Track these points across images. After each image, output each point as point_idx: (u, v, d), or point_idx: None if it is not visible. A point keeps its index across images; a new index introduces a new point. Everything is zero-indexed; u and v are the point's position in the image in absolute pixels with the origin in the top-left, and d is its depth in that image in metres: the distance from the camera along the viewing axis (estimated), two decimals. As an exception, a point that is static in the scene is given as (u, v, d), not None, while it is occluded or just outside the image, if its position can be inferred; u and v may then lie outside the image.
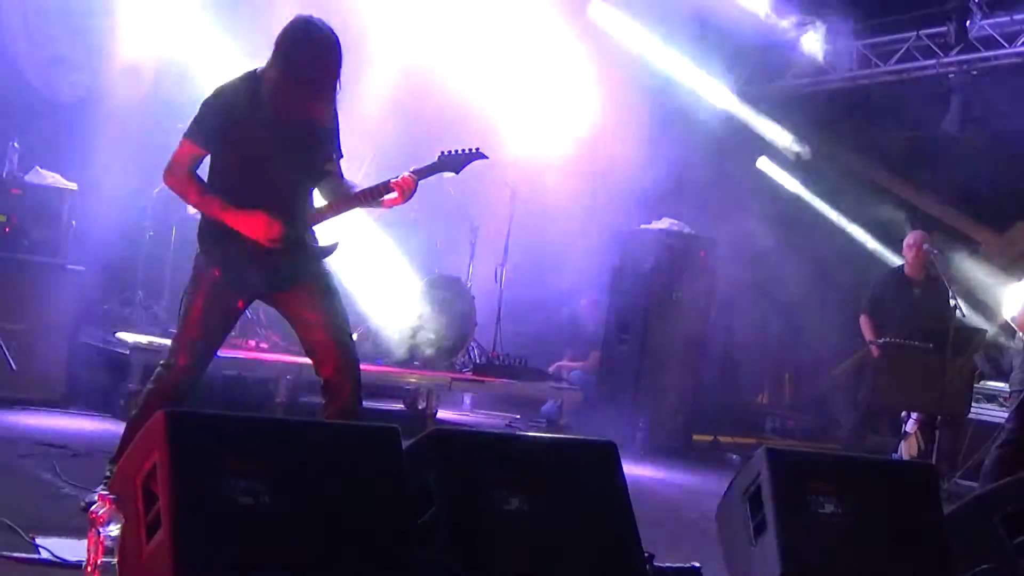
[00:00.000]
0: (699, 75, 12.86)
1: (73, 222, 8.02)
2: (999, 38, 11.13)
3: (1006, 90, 11.60)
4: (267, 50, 5.16)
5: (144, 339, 8.55)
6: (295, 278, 5.25)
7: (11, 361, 7.41)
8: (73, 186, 8.15)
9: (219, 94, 5.18)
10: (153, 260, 9.57)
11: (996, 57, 11.33)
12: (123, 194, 9.46)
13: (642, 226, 10.68)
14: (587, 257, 11.78)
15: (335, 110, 5.29)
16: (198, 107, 5.18)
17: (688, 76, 12.79)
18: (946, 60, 11.55)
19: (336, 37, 5.13)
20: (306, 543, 3.55)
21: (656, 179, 11.71)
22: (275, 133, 5.11)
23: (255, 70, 5.22)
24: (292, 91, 5.07)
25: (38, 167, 8.23)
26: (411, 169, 5.36)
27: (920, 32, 11.55)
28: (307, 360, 5.38)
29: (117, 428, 7.21)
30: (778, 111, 13.69)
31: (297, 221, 5.21)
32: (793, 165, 13.95)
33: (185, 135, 5.16)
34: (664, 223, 10.66)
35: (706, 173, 13.16)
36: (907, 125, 13.39)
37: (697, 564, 4.97)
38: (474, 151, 5.49)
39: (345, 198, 5.34)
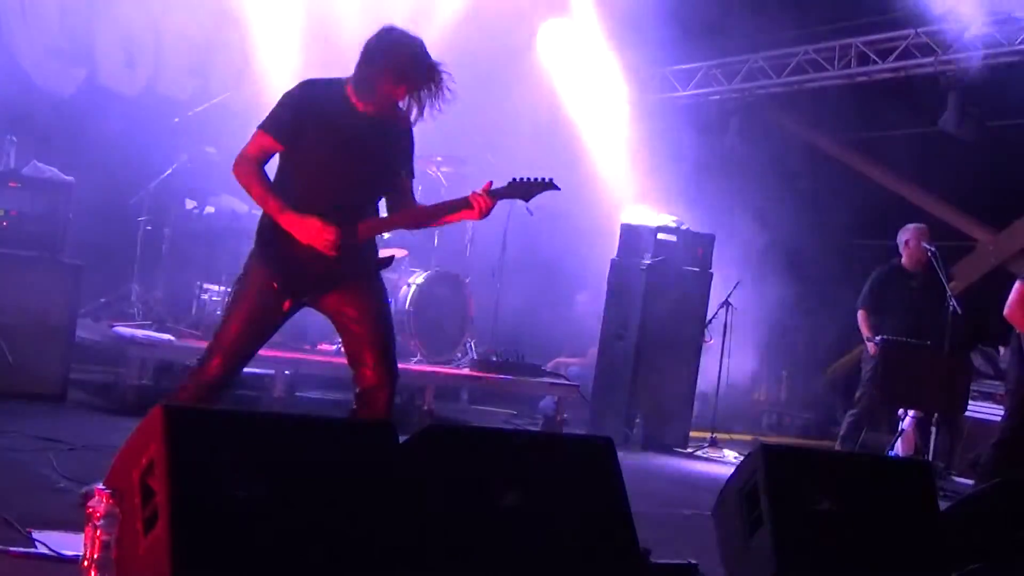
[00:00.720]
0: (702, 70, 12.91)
1: (70, 216, 8.02)
2: (998, 36, 11.15)
3: (1003, 88, 11.62)
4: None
5: (140, 333, 8.56)
6: (346, 286, 5.16)
7: (8, 355, 7.43)
8: (70, 180, 8.14)
9: (302, 88, 5.11)
10: (149, 254, 9.58)
11: (995, 55, 11.34)
12: (120, 188, 9.48)
13: (640, 222, 10.68)
14: (585, 253, 11.82)
15: (411, 129, 5.18)
16: (278, 99, 5.10)
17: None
18: (944, 58, 11.58)
19: (424, 49, 5.03)
20: (303, 538, 3.56)
21: (655, 175, 11.75)
22: (350, 137, 5.03)
23: (340, 77, 5.13)
24: (373, 96, 5.01)
25: (35, 161, 8.23)
26: (488, 188, 5.22)
27: (918, 30, 11.56)
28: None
29: (114, 422, 7.24)
30: (774, 106, 13.73)
31: (353, 230, 5.08)
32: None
33: (260, 126, 5.07)
34: (661, 218, 10.67)
35: (706, 168, 13.21)
36: (905, 122, 13.41)
37: (693, 560, 4.98)
38: (547, 180, 5.35)
39: (418, 210, 5.26)
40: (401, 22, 5.10)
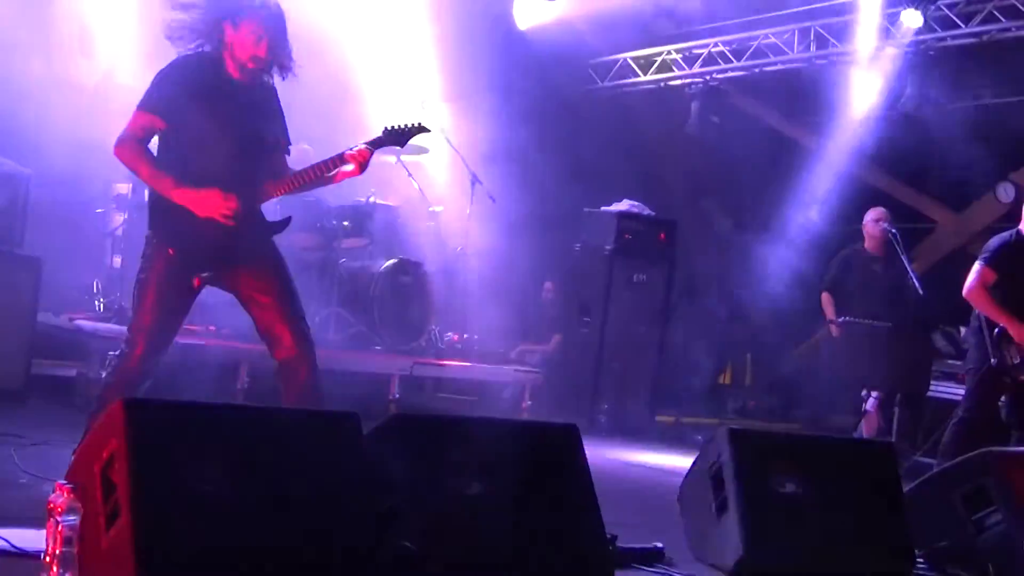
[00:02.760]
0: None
1: (28, 208, 7.93)
2: (954, 17, 11.21)
3: (960, 70, 11.69)
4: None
5: (102, 326, 8.48)
6: (248, 256, 5.22)
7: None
8: (28, 172, 8.05)
9: (175, 66, 5.15)
10: (109, 246, 9.50)
11: (953, 36, 11.41)
12: (79, 179, 9.38)
13: (602, 208, 10.68)
14: (549, 240, 11.80)
15: (276, 94, 5.32)
16: (152, 79, 5.13)
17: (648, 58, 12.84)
18: (901, 40, 11.64)
19: (282, 11, 5.17)
20: (266, 531, 3.53)
21: (617, 161, 11.75)
22: (226, 109, 5.10)
23: (208, 47, 5.19)
24: (244, 67, 5.12)
25: (-8, 154, 8.14)
26: (364, 141, 5.36)
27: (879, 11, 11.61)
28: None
29: (76, 416, 7.17)
30: (735, 90, 13.75)
31: (252, 197, 5.19)
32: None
33: (138, 106, 5.09)
34: (624, 205, 10.67)
35: (668, 155, 13.23)
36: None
37: (660, 544, 4.99)
38: (417, 125, 5.55)
39: (299, 173, 5.33)
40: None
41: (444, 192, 10.73)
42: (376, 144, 5.39)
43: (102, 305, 9.27)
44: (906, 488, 5.48)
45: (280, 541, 3.55)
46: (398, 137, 5.51)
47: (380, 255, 10.14)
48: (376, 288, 9.67)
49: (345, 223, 9.67)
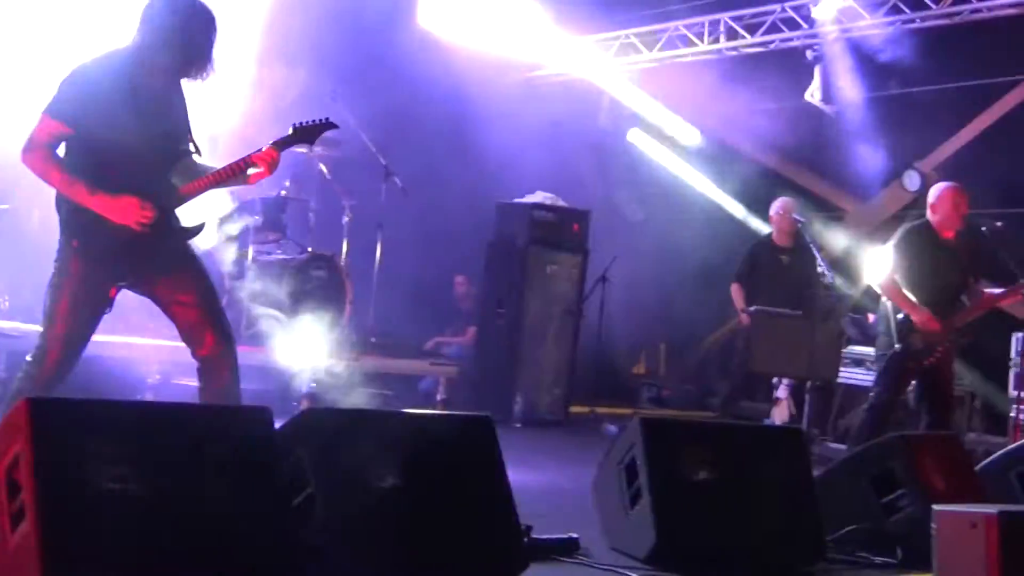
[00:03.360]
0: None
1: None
2: (860, 9, 11.38)
3: (870, 60, 11.86)
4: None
5: (8, 325, 8.33)
6: (165, 261, 5.16)
7: None
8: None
9: (83, 69, 5.03)
10: (14, 242, 9.31)
11: (859, 28, 11.58)
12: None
13: (515, 200, 10.69)
14: (463, 232, 11.79)
15: (183, 94, 5.24)
16: (59, 83, 5.02)
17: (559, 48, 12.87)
18: (811, 31, 11.79)
19: (213, 14, 5.09)
20: (176, 529, 3.48)
21: (528, 152, 11.75)
22: (137, 112, 5.00)
23: (118, 48, 5.10)
24: (156, 68, 5.02)
25: None
26: (271, 142, 5.32)
27: (785, 4, 11.74)
28: (180, 342, 5.29)
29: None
30: (647, 83, 13.83)
31: (163, 202, 5.12)
32: (663, 136, 14.11)
33: (45, 111, 4.96)
34: (537, 196, 10.69)
35: (579, 146, 13.26)
36: (772, 96, 13.60)
37: (575, 535, 5.00)
38: (325, 121, 5.53)
39: (209, 176, 5.25)
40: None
41: (356, 185, 10.66)
42: (284, 144, 5.35)
43: (7, 303, 9.09)
44: (817, 473, 5.55)
45: (189, 539, 3.50)
46: (306, 134, 5.48)
47: (293, 249, 10.07)
48: (289, 282, 9.59)
49: (257, 217, 9.58)
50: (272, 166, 5.28)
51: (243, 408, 3.97)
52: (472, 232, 11.43)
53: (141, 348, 8.40)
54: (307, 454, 3.95)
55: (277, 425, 3.97)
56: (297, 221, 10.13)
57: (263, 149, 5.28)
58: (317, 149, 9.98)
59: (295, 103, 11.07)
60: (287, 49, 10.35)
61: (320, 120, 5.52)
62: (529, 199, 10.64)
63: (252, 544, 3.65)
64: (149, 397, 8.02)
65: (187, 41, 5.01)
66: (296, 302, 9.61)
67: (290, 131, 5.44)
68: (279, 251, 10.09)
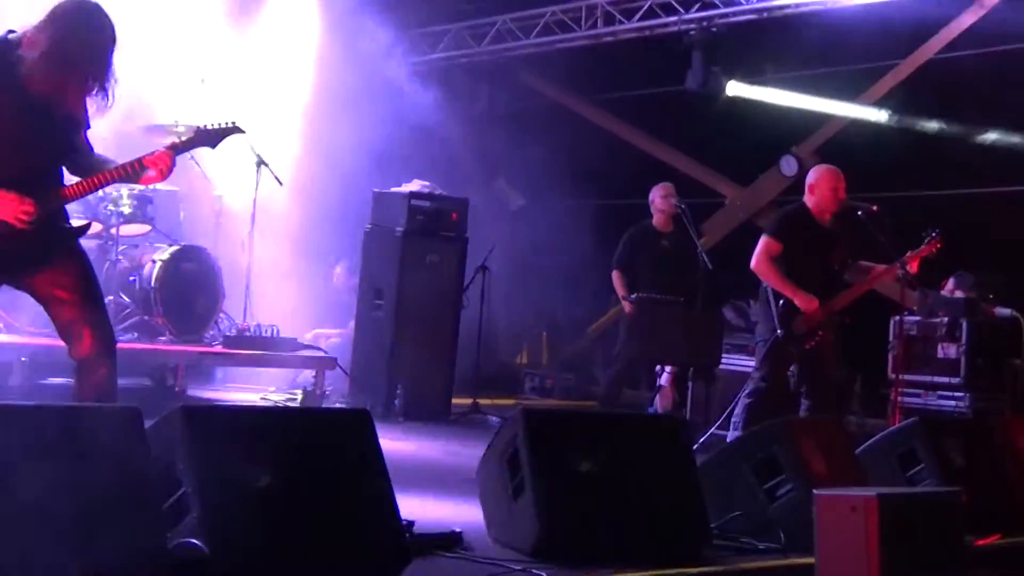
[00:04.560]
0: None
1: None
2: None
3: (745, 45, 12.04)
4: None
5: None
6: (47, 258, 5.06)
7: None
8: None
9: None
10: None
11: (735, 13, 11.74)
12: None
13: (392, 188, 10.63)
14: (341, 221, 11.70)
15: (85, 99, 5.08)
16: None
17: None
18: (687, 16, 11.93)
19: (112, 23, 4.97)
20: (40, 534, 3.39)
21: (405, 139, 11.70)
22: (25, 106, 4.88)
23: (6, 34, 4.94)
24: (51, 68, 4.86)
25: None
26: (166, 145, 5.22)
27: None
28: (47, 340, 5.20)
29: None
30: (524, 67, 13.87)
31: (48, 200, 5.00)
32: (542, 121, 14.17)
33: None
34: (414, 185, 10.64)
35: (458, 131, 13.24)
36: (651, 81, 13.75)
37: (458, 529, 4.99)
38: (231, 125, 5.43)
39: (99, 176, 5.14)
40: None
41: (228, 175, 10.52)
42: (182, 147, 5.30)
43: None
44: (700, 461, 5.62)
45: (51, 545, 3.41)
46: (209, 138, 5.41)
47: (162, 241, 9.90)
48: (159, 276, 9.43)
49: (124, 209, 9.39)
50: (165, 172, 5.19)
51: (110, 408, 3.88)
52: (349, 222, 11.35)
53: (4, 347, 8.21)
54: (180, 454, 3.88)
55: (148, 425, 3.89)
56: (166, 213, 9.96)
57: (157, 152, 5.17)
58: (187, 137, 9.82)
59: (163, 88, 10.90)
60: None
61: (225, 124, 5.43)
62: (406, 188, 10.59)
63: (122, 549, 3.57)
64: (15, 398, 7.82)
65: (83, 48, 4.88)
66: (166, 297, 9.45)
67: (191, 134, 5.36)
68: (147, 244, 9.91)
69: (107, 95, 4.97)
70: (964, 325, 10.25)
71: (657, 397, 10.24)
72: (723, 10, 11.73)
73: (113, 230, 9.33)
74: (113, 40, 4.96)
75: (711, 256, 9.38)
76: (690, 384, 9.62)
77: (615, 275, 10.20)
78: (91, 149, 5.22)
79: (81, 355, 5.06)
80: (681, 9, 11.92)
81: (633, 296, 9.78)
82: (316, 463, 4.19)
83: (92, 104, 5.04)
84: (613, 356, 10.30)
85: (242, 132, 5.48)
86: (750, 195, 13.95)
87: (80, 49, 4.87)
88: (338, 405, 9.97)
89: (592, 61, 13.35)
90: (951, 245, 8.40)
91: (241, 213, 10.37)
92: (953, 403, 10.17)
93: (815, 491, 4.70)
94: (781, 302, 8.01)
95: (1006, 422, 7.54)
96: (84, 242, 5.30)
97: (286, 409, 8.49)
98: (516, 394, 13.50)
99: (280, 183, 10.24)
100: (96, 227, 9.24)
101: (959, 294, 10.61)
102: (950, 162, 11.64)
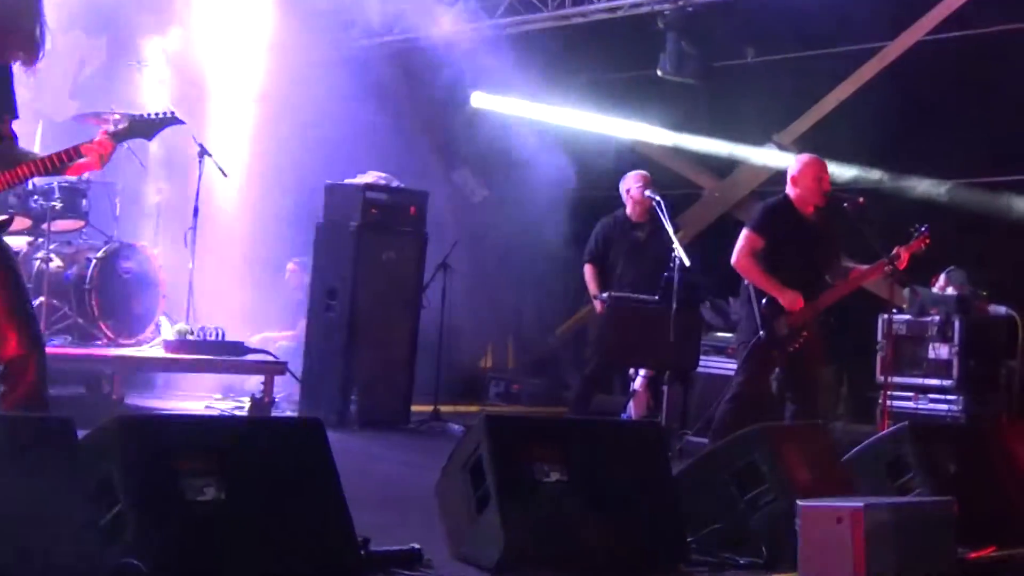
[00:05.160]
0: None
1: None
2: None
3: (722, 28, 12.09)
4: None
5: None
6: None
7: None
8: None
9: None
10: None
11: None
12: None
13: (346, 180, 10.61)
14: (293, 216, 11.66)
15: (11, 68, 5.10)
16: None
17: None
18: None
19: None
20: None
21: (360, 128, 11.68)
22: None
23: None
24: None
25: None
26: (105, 131, 5.20)
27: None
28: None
29: None
30: (490, 51, 13.85)
31: None
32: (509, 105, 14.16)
33: None
34: (370, 176, 10.62)
35: (416, 119, 13.23)
36: (623, 65, 13.77)
37: (417, 545, 4.98)
38: (168, 115, 5.43)
39: (26, 165, 5.13)
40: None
41: (169, 166, 10.49)
42: (120, 136, 5.29)
43: None
44: (677, 470, 5.64)
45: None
46: (146, 128, 5.43)
47: (97, 238, 9.85)
48: (94, 275, 9.38)
49: (55, 203, 9.33)
50: (104, 159, 5.19)
51: (40, 418, 3.86)
52: (301, 217, 11.32)
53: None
54: (116, 467, 3.87)
55: (82, 435, 3.87)
56: (100, 207, 9.91)
57: (95, 139, 5.16)
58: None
59: (97, 74, 10.86)
60: (87, 14, 10.13)
61: (162, 114, 5.44)
62: (361, 179, 10.57)
63: (56, 568, 3.56)
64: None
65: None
66: (102, 298, 9.41)
67: (126, 124, 5.37)
68: (81, 240, 9.86)
69: (39, 52, 4.99)
70: (957, 324, 10.30)
71: (631, 402, 10.25)
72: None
73: (44, 225, 9.26)
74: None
75: (688, 251, 9.40)
76: (666, 388, 9.65)
77: (587, 270, 10.22)
78: (16, 139, 5.20)
79: (7, 357, 5.05)
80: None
81: (605, 294, 9.80)
82: (264, 476, 4.19)
83: (24, 78, 5.04)
84: (584, 359, 10.31)
85: (181, 123, 5.51)
86: (728, 186, 13.98)
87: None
88: (288, 414, 9.96)
89: (561, 42, 13.36)
90: (944, 239, 8.46)
91: (183, 207, 10.33)
92: (945, 407, 10.20)
93: (798, 502, 4.73)
94: (764, 301, 8.03)
95: (1001, 427, 7.59)
96: (11, 239, 5.29)
97: (232, 418, 8.48)
98: (480, 400, 13.50)
99: (225, 175, 10.21)
100: (24, 222, 9.19)
101: (951, 291, 10.66)
102: (941, 150, 11.68)
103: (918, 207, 11.37)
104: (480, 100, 14.17)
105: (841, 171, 11.54)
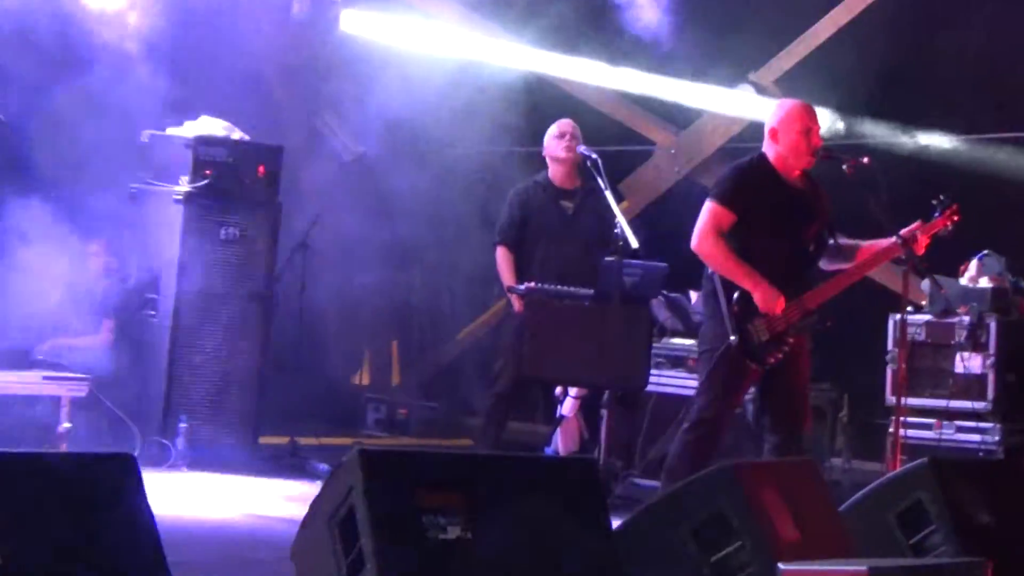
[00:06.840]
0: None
1: None
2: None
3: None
4: None
5: None
6: None
7: None
8: None
9: None
10: None
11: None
12: None
13: (169, 131, 10.54)
14: (99, 179, 11.54)
15: None
16: None
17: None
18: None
19: None
20: None
21: (189, 61, 11.60)
22: None
23: None
24: None
25: None
26: None
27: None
28: None
29: None
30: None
31: None
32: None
33: None
34: (203, 124, 10.56)
35: (267, 47, 13.16)
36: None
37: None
38: None
39: None
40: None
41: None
42: None
43: None
44: (619, 521, 5.65)
45: None
46: None
47: None
48: None
49: None
50: None
51: None
52: (108, 181, 11.21)
53: None
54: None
55: None
56: None
57: None
58: None
59: None
60: None
61: None
62: (190, 128, 10.50)
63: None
64: None
65: None
66: None
67: None
68: None
69: None
70: (992, 327, 10.36)
71: (557, 432, 10.28)
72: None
73: None
74: None
75: (635, 228, 9.44)
76: (604, 413, 9.68)
77: (498, 254, 10.18)
78: None
79: None
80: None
81: (523, 286, 9.78)
82: (54, 531, 4.17)
83: None
84: (495, 373, 10.33)
85: None
86: (689, 141, 14.03)
87: None
88: (90, 450, 9.87)
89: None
90: (975, 214, 8.55)
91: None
92: (977, 438, 10.28)
93: (780, 565, 4.76)
94: (735, 296, 8.06)
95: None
96: None
97: (11, 455, 8.36)
98: (354, 430, 13.49)
99: (5, 124, 10.11)
100: None
101: (985, 283, 10.74)
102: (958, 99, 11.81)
103: (938, 170, 11.48)
104: (352, 22, 14.11)
105: (836, 122, 11.65)
